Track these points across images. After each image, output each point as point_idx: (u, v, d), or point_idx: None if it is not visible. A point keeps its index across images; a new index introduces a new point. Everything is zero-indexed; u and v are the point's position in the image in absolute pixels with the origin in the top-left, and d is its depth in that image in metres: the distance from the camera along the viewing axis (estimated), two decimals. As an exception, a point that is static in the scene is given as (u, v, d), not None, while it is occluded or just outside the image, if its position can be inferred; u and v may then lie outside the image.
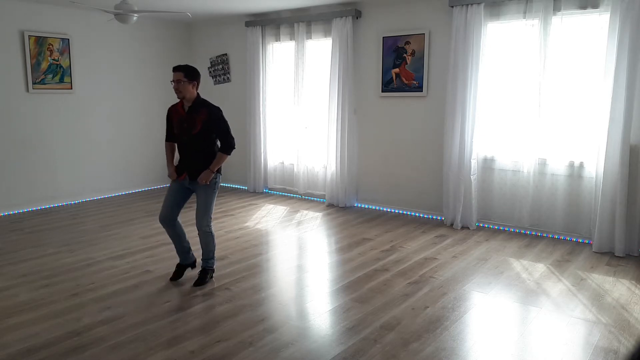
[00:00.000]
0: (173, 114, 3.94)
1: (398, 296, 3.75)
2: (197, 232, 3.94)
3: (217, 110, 3.85)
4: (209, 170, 3.81)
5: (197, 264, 4.16)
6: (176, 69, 3.77)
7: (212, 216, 3.95)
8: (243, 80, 7.57)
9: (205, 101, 3.88)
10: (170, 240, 4.05)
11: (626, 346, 3.04)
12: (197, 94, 3.85)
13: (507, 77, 5.38)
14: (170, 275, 4.08)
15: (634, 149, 4.66)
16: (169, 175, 3.96)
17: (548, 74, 5.06)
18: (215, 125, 3.83)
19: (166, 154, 4.06)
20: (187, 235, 4.07)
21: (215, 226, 5.60)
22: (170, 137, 4.04)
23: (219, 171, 3.91)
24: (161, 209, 3.94)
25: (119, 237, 5.22)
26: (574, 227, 5.12)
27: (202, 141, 3.84)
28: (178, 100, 3.87)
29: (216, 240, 4.19)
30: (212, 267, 4.05)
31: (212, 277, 4.06)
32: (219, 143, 3.92)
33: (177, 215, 3.96)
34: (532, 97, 5.13)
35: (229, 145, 3.87)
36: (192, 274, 4.10)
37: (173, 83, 3.76)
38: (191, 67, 3.83)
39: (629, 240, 4.72)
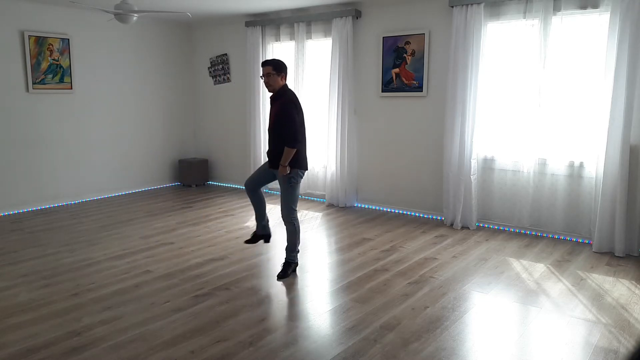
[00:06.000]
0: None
1: (398, 296, 3.75)
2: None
3: (285, 104, 3.94)
4: (282, 166, 3.94)
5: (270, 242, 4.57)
6: (265, 63, 3.97)
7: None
8: (243, 80, 7.56)
9: (283, 93, 3.99)
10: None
11: (626, 346, 3.04)
12: (284, 84, 4.02)
13: (507, 77, 5.38)
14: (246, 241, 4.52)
15: (634, 149, 4.66)
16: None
17: (548, 74, 5.05)
18: (282, 115, 3.92)
19: None
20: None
21: (215, 226, 5.63)
22: None
23: (297, 167, 4.00)
24: (249, 177, 4.31)
25: (119, 237, 5.22)
26: (574, 227, 5.12)
27: (276, 132, 3.99)
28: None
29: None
30: (294, 260, 4.20)
31: (294, 270, 4.21)
32: None
33: (259, 187, 4.26)
34: (532, 97, 5.12)
35: (289, 139, 3.90)
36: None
37: (263, 77, 3.97)
38: (278, 60, 4.03)
39: (629, 240, 4.72)
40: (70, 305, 3.57)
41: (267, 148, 7.38)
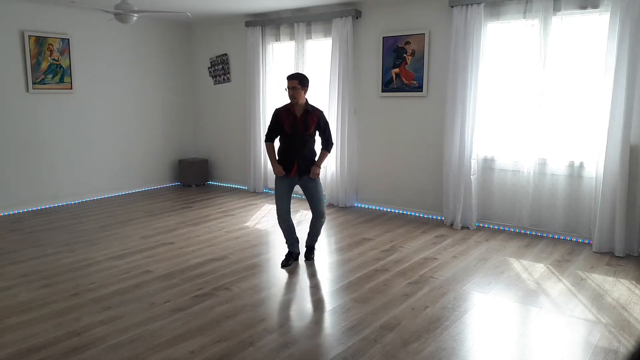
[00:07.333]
0: (284, 116, 4.33)
1: (398, 296, 3.75)
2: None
3: (324, 116, 4.41)
4: (316, 166, 4.37)
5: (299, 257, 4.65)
6: (291, 77, 4.25)
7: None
8: (243, 80, 7.57)
9: (314, 107, 4.38)
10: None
11: (626, 346, 3.04)
12: (306, 98, 4.34)
13: (507, 77, 5.38)
14: (281, 263, 4.47)
15: (634, 149, 4.66)
16: (278, 173, 4.38)
17: (548, 74, 5.05)
18: (324, 127, 4.39)
19: (269, 154, 4.50)
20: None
21: (215, 226, 5.63)
22: (272, 138, 4.48)
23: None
24: (279, 206, 4.43)
25: (119, 237, 5.22)
26: (574, 227, 5.12)
27: (312, 140, 4.40)
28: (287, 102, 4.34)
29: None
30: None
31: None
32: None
33: (290, 208, 4.51)
34: (532, 97, 5.12)
35: (331, 144, 4.47)
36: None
37: (288, 90, 4.23)
38: (303, 74, 4.31)
39: (629, 240, 4.72)
40: (70, 305, 3.57)
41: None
